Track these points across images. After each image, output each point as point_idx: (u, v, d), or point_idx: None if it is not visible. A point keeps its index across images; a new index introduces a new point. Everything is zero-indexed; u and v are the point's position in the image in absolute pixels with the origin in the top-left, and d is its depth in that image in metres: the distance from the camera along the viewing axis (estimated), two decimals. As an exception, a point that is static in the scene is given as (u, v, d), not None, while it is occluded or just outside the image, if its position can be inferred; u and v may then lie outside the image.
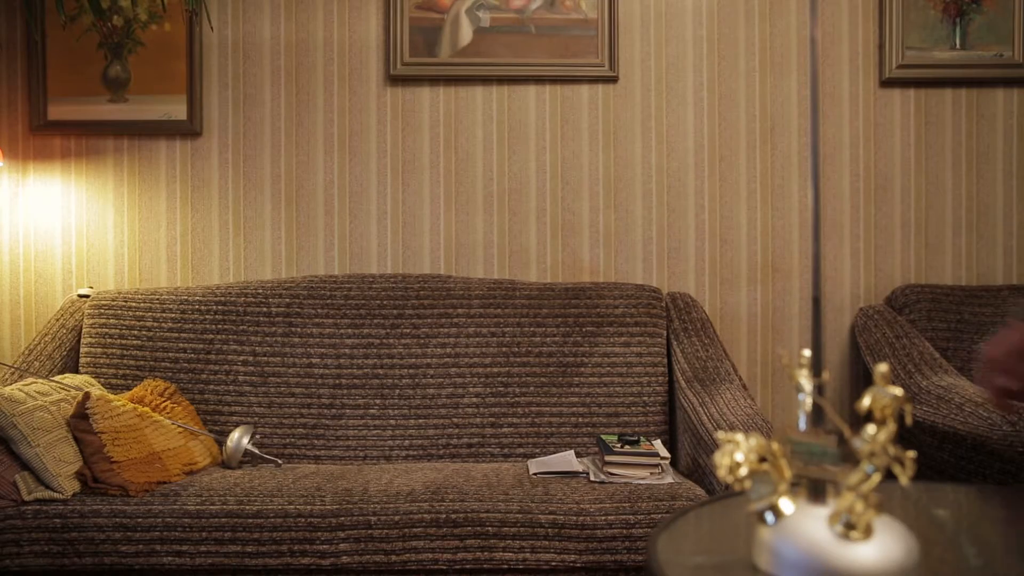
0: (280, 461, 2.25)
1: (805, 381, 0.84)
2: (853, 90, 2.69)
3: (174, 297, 2.44)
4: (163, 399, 2.24)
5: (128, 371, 2.37)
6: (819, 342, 0.85)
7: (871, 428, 0.80)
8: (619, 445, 2.10)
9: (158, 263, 2.66)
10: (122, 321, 2.41)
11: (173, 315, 2.41)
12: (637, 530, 1.86)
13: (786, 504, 0.83)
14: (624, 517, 1.86)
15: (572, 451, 2.26)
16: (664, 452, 2.11)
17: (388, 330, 2.40)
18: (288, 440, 2.33)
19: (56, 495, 1.89)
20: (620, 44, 2.66)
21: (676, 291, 2.58)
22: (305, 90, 2.66)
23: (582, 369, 2.36)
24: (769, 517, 0.83)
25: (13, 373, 2.29)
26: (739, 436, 0.84)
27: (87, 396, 1.98)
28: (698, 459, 2.10)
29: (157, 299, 2.44)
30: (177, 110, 2.63)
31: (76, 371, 2.41)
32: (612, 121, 2.67)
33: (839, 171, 2.69)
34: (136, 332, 2.40)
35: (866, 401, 0.81)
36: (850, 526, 0.79)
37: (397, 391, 2.35)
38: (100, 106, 2.63)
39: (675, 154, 2.68)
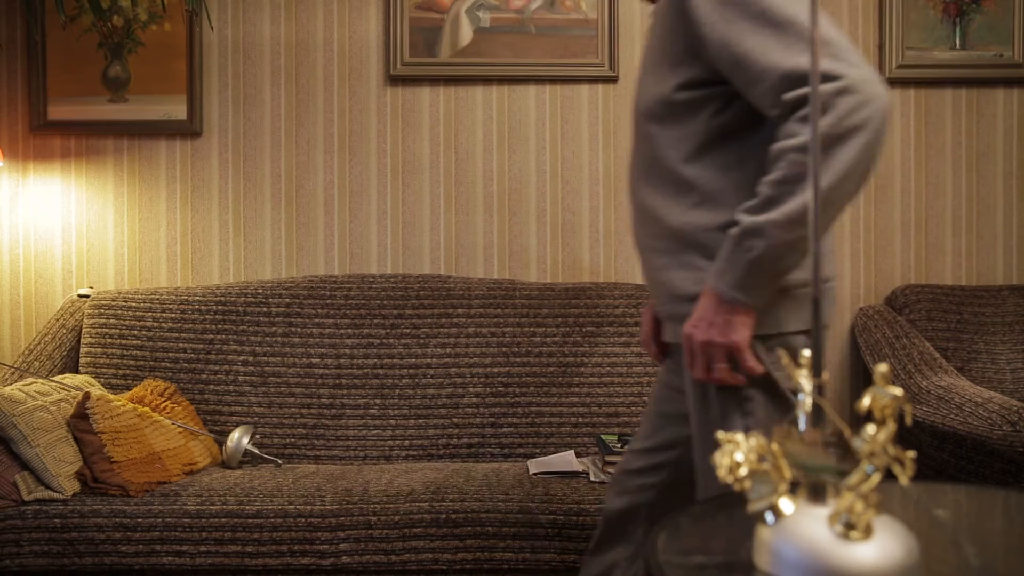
0: (280, 461, 2.25)
1: (805, 381, 0.84)
2: (853, 90, 2.68)
3: (174, 297, 2.44)
4: (163, 399, 2.24)
5: (128, 371, 2.37)
6: (819, 342, 0.85)
7: (871, 428, 0.80)
8: (619, 445, 2.10)
9: (158, 263, 2.66)
10: (122, 321, 2.41)
11: (173, 315, 2.41)
12: (637, 530, 1.85)
13: (786, 504, 0.83)
14: (624, 517, 1.86)
15: (572, 451, 2.26)
16: (664, 452, 2.11)
17: (388, 330, 2.40)
18: (288, 440, 2.33)
19: (56, 495, 1.89)
20: (620, 44, 2.66)
21: (676, 291, 2.58)
22: (305, 90, 2.66)
23: (582, 369, 2.36)
24: (769, 517, 0.83)
25: (13, 373, 2.29)
26: (739, 436, 0.84)
27: (87, 396, 1.98)
28: (698, 459, 2.10)
29: (157, 299, 2.44)
30: (177, 110, 2.63)
31: (76, 371, 2.41)
32: (612, 121, 2.67)
33: (839, 171, 2.69)
34: (136, 332, 2.40)
35: (866, 401, 0.81)
36: (850, 526, 0.79)
37: (397, 391, 2.35)
38: (100, 106, 2.63)
39: (675, 154, 2.68)
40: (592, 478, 2.04)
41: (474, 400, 2.33)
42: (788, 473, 0.84)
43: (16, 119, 2.65)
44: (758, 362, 1.16)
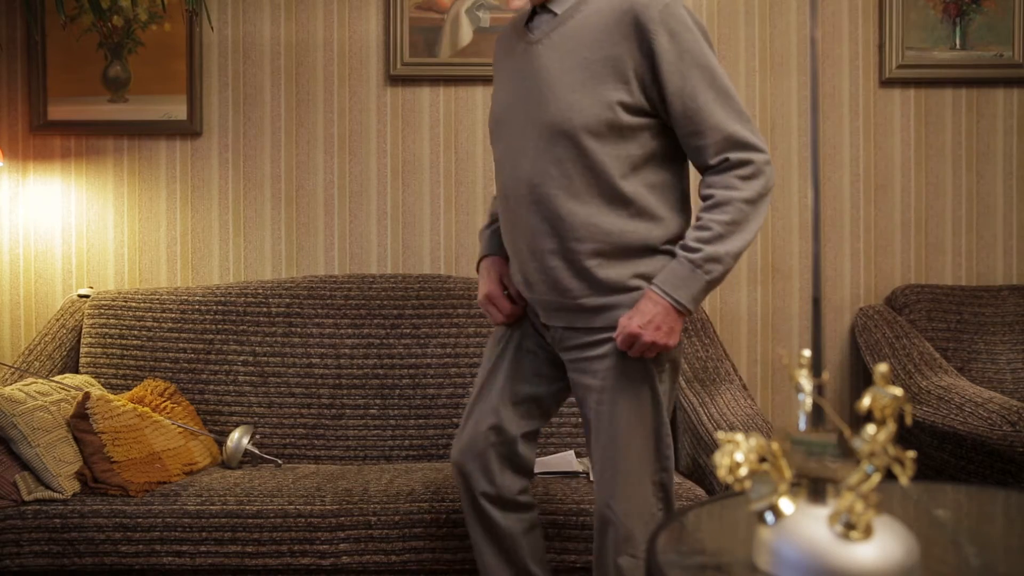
0: (280, 461, 2.25)
1: (805, 381, 0.84)
2: (853, 90, 2.69)
3: (174, 297, 2.44)
4: (163, 399, 2.24)
5: (128, 371, 2.37)
6: (819, 342, 0.85)
7: (871, 428, 0.80)
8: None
9: (158, 263, 2.66)
10: (122, 321, 2.41)
11: (173, 315, 2.41)
12: (637, 530, 1.86)
13: (786, 504, 0.83)
14: (624, 517, 1.86)
15: (572, 451, 2.26)
16: (664, 452, 2.11)
17: (388, 330, 2.40)
18: (288, 440, 2.33)
19: (56, 495, 1.89)
20: (620, 44, 2.66)
21: (676, 291, 2.58)
22: (305, 90, 2.66)
23: (582, 369, 2.36)
24: (769, 517, 0.83)
25: (13, 373, 2.29)
26: (739, 436, 0.84)
27: (87, 396, 1.98)
28: (698, 459, 2.10)
29: (157, 299, 2.44)
30: (177, 110, 2.63)
31: (76, 371, 2.41)
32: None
33: (839, 171, 2.69)
34: (136, 332, 2.40)
35: (866, 401, 0.81)
36: (850, 526, 0.79)
37: (397, 391, 2.35)
38: (100, 106, 2.62)
39: (675, 154, 2.68)
40: (592, 478, 2.04)
41: (474, 400, 2.33)
42: (788, 473, 0.84)
43: (16, 119, 2.65)
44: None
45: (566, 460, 2.15)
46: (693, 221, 1.44)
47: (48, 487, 1.90)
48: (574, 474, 2.07)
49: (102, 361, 2.38)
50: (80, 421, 1.95)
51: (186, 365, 2.37)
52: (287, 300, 2.42)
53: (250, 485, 1.97)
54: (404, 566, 1.84)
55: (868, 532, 0.79)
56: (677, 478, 2.07)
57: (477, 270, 1.66)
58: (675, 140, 1.44)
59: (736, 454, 0.82)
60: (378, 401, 2.34)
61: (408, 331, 2.40)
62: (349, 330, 2.39)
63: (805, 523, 0.81)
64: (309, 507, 1.87)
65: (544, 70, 1.42)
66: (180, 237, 2.66)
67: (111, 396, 2.07)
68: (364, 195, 2.66)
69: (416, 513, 1.85)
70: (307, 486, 1.97)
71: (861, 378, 2.66)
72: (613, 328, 1.42)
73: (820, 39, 2.67)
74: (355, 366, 2.36)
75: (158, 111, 2.63)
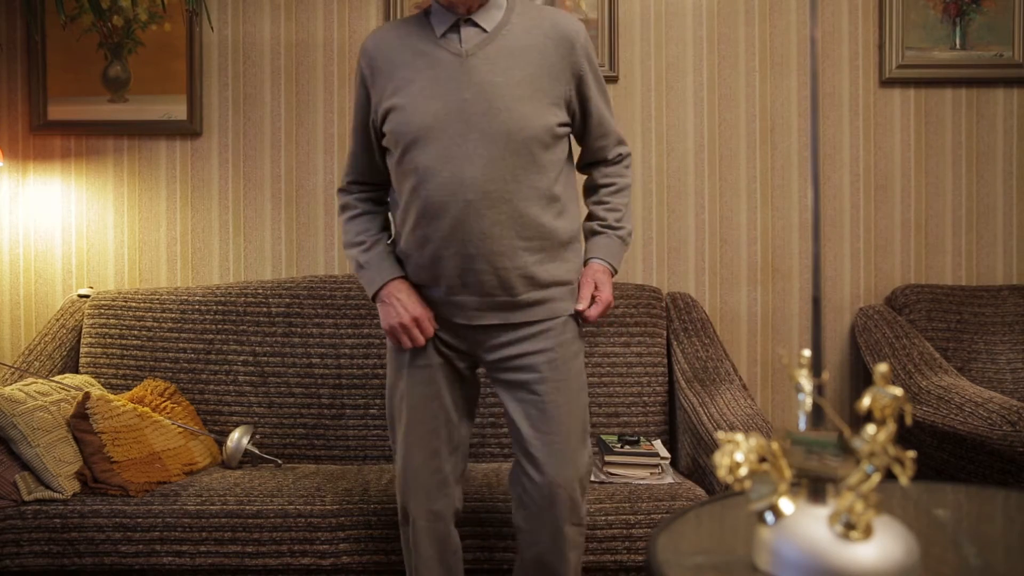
0: (280, 461, 2.25)
1: (805, 381, 0.84)
2: (853, 90, 2.69)
3: (174, 297, 2.44)
4: (163, 399, 2.24)
5: (128, 371, 2.37)
6: (819, 342, 0.85)
7: (871, 428, 0.80)
8: (619, 445, 2.10)
9: (158, 263, 2.66)
10: (122, 321, 2.41)
11: (173, 315, 2.41)
12: (637, 530, 1.86)
13: (786, 504, 0.83)
14: (624, 517, 1.86)
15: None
16: (664, 452, 2.11)
17: (388, 330, 2.39)
18: (288, 440, 2.33)
19: (56, 495, 1.89)
20: (620, 44, 2.66)
21: (676, 291, 2.58)
22: (305, 90, 2.66)
23: (582, 369, 2.36)
24: (769, 517, 0.83)
25: (13, 373, 2.29)
26: (739, 436, 0.84)
27: (87, 396, 1.98)
28: (698, 459, 2.10)
29: (157, 299, 2.44)
30: (177, 110, 2.63)
31: (76, 371, 2.41)
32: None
33: (839, 171, 2.69)
34: (136, 332, 2.40)
35: (866, 401, 0.81)
36: (850, 526, 0.79)
37: (397, 391, 2.35)
38: (100, 106, 2.63)
39: (675, 154, 2.68)
40: (592, 478, 2.04)
41: (474, 400, 2.32)
42: (788, 473, 0.84)
43: (16, 119, 2.65)
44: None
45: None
46: (594, 206, 1.71)
47: (48, 487, 1.90)
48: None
49: (102, 361, 2.38)
50: (80, 421, 1.95)
51: (186, 365, 2.37)
52: (287, 300, 2.42)
53: (250, 485, 1.97)
54: (404, 566, 1.84)
55: (868, 532, 0.79)
56: (677, 478, 2.07)
57: (375, 294, 1.63)
58: (570, 145, 1.68)
59: (736, 454, 0.82)
60: (378, 401, 2.34)
61: (408, 331, 2.39)
62: (349, 330, 2.39)
63: (805, 523, 0.81)
64: (309, 507, 1.88)
65: (489, 83, 1.54)
66: (180, 237, 2.66)
67: (111, 396, 2.07)
68: (364, 195, 2.66)
69: (416, 513, 1.85)
70: (307, 486, 1.97)
71: (861, 378, 2.66)
72: (551, 319, 1.61)
73: (820, 39, 2.67)
74: (355, 366, 2.36)
75: (158, 111, 2.63)
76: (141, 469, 1.97)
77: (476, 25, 1.57)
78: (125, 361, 2.38)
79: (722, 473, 0.82)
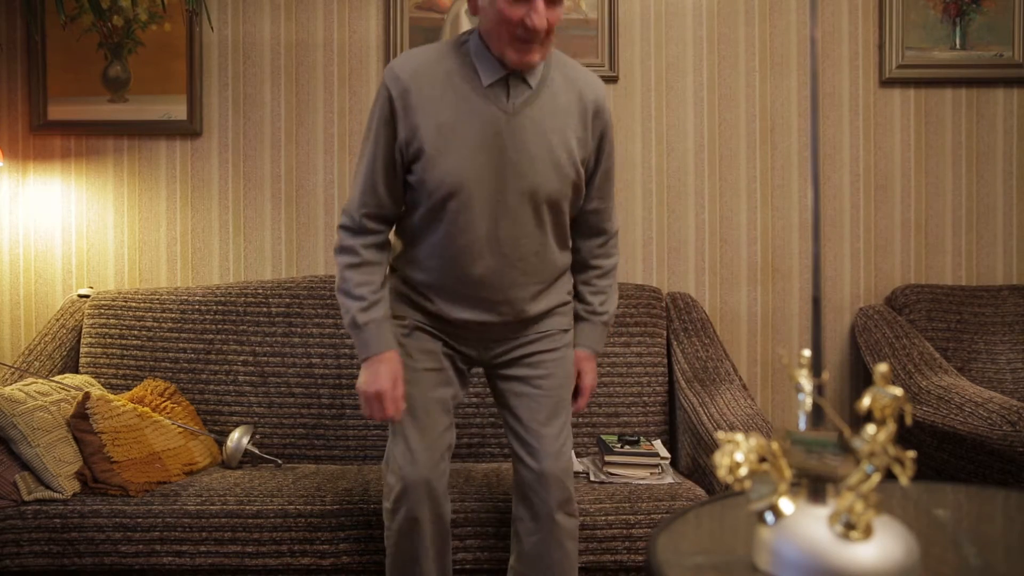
0: (280, 461, 2.25)
1: (805, 381, 0.84)
2: (853, 90, 2.69)
3: (174, 297, 2.44)
4: (163, 399, 2.24)
5: (128, 371, 2.37)
6: (819, 342, 0.85)
7: (871, 428, 0.80)
8: (619, 445, 2.10)
9: (158, 263, 2.66)
10: (122, 321, 2.41)
11: (173, 315, 2.41)
12: (637, 530, 1.86)
13: (786, 504, 0.83)
14: (624, 517, 1.86)
15: (572, 451, 2.26)
16: (664, 452, 2.11)
17: (388, 330, 2.39)
18: (288, 440, 2.33)
19: (56, 495, 1.89)
20: (620, 44, 2.66)
21: (676, 291, 2.58)
22: (305, 90, 2.66)
23: (582, 369, 2.36)
24: (769, 517, 0.83)
25: (13, 373, 2.29)
26: (739, 436, 0.84)
27: (87, 396, 1.98)
28: (698, 459, 2.10)
29: (157, 299, 2.44)
30: (177, 110, 2.63)
31: (76, 371, 2.41)
32: (612, 121, 2.67)
33: (839, 171, 2.69)
34: (136, 332, 2.40)
35: (866, 401, 0.81)
36: (850, 526, 0.79)
37: (397, 391, 2.35)
38: (100, 106, 2.63)
39: (675, 154, 2.68)
40: (592, 478, 2.04)
41: (474, 400, 2.33)
42: (788, 473, 0.84)
43: (16, 119, 2.65)
44: None
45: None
46: (582, 286, 1.78)
47: (48, 487, 1.90)
48: (574, 474, 2.06)
49: (102, 361, 2.38)
50: (80, 421, 1.95)
51: (186, 365, 2.37)
52: (287, 300, 2.42)
53: (250, 485, 1.97)
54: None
55: (868, 532, 0.79)
56: (677, 478, 2.07)
57: (365, 359, 1.59)
58: None
59: (736, 454, 0.82)
60: (378, 401, 2.34)
61: (408, 331, 2.39)
62: (349, 330, 2.39)
63: (805, 523, 0.81)
64: (309, 507, 1.88)
65: (532, 144, 1.56)
66: (180, 237, 2.66)
67: (111, 396, 2.07)
68: (364, 195, 2.66)
69: (416, 513, 1.85)
70: (307, 486, 1.97)
71: (861, 378, 2.66)
72: (554, 330, 1.73)
73: (820, 39, 2.67)
74: (355, 366, 2.36)
75: (158, 111, 2.63)
76: (141, 469, 1.97)
77: (524, 80, 1.56)
78: (125, 361, 2.38)
79: (722, 473, 0.82)
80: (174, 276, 2.66)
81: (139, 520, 1.86)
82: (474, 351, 1.71)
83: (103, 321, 2.41)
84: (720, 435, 0.85)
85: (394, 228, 1.70)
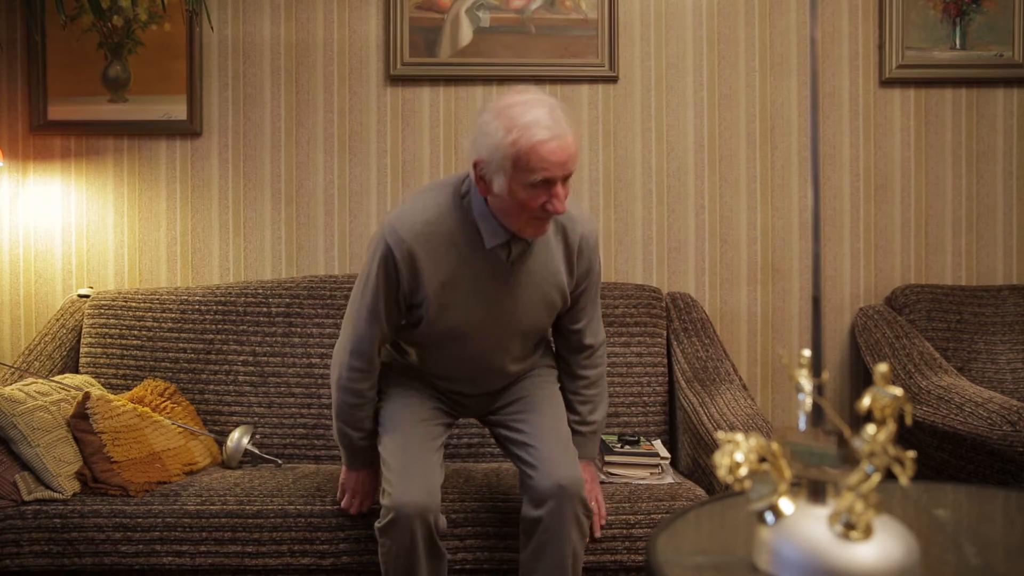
0: (280, 461, 2.25)
1: (805, 381, 0.84)
2: (853, 90, 2.69)
3: (174, 297, 2.44)
4: (163, 399, 2.24)
5: (128, 371, 2.37)
6: (819, 342, 0.85)
7: (871, 428, 0.80)
8: (619, 445, 2.10)
9: (158, 263, 2.66)
10: (122, 321, 2.41)
11: (173, 315, 2.41)
12: (637, 530, 1.86)
13: (786, 504, 0.83)
14: (624, 517, 1.86)
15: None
16: (664, 452, 2.11)
17: (388, 330, 2.39)
18: (288, 440, 2.33)
19: (56, 495, 1.89)
20: (620, 44, 2.66)
21: (676, 291, 2.58)
22: (305, 90, 2.66)
23: (582, 369, 2.36)
24: (769, 517, 0.83)
25: (13, 373, 2.28)
26: (739, 436, 0.84)
27: (87, 396, 1.98)
28: (698, 459, 2.10)
29: (157, 299, 2.44)
30: (177, 110, 2.63)
31: (76, 371, 2.41)
32: (612, 121, 2.67)
33: (839, 171, 2.69)
34: (136, 332, 2.40)
35: (866, 401, 0.81)
36: (850, 526, 0.79)
37: (397, 391, 2.35)
38: (100, 106, 2.63)
39: (675, 154, 2.68)
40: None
41: (474, 400, 2.32)
42: (788, 473, 0.84)
43: (16, 119, 2.65)
44: None
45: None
46: (571, 395, 1.87)
47: (48, 487, 1.90)
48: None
49: (102, 361, 2.38)
50: (80, 421, 1.95)
51: (186, 365, 2.37)
52: (287, 300, 2.42)
53: (250, 485, 1.97)
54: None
55: (868, 532, 0.79)
56: (677, 478, 2.07)
57: (350, 467, 1.83)
58: None
59: (736, 454, 0.82)
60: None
61: (408, 331, 2.39)
62: (349, 330, 2.39)
63: (805, 523, 0.81)
64: (309, 507, 1.87)
65: (524, 292, 1.70)
66: (180, 237, 2.66)
67: (111, 396, 2.07)
68: (364, 195, 2.66)
69: (416, 513, 1.85)
70: (307, 486, 1.97)
71: (861, 378, 2.66)
72: (538, 364, 1.90)
73: (820, 39, 2.68)
74: (355, 366, 2.36)
75: (158, 111, 2.63)
76: (141, 469, 1.97)
77: (523, 239, 1.65)
78: (125, 361, 2.38)
79: (722, 473, 0.82)
80: (174, 276, 2.66)
81: (139, 520, 1.86)
82: (468, 411, 1.88)
83: (103, 321, 2.41)
84: (720, 435, 0.85)
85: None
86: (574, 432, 1.83)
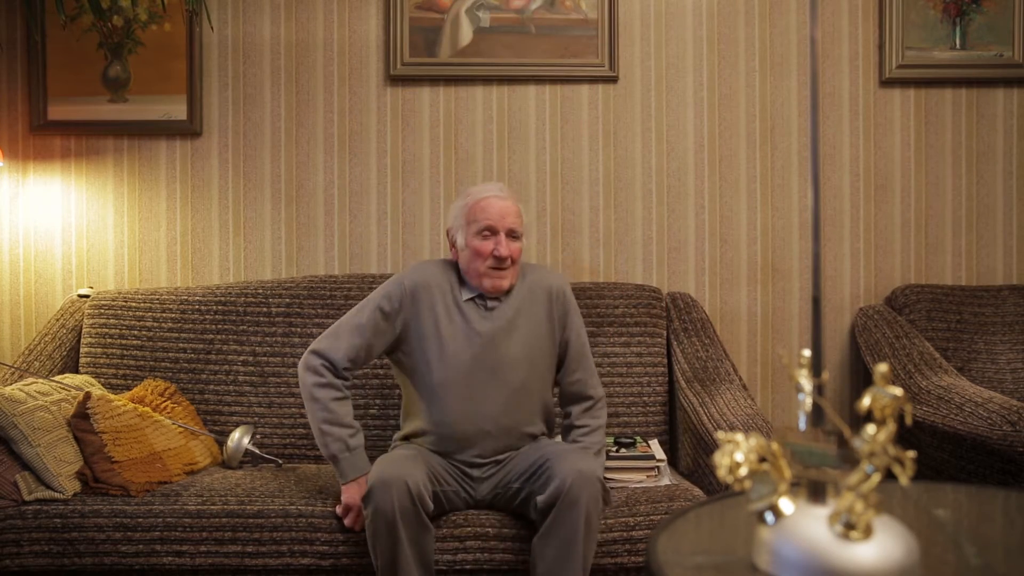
0: (280, 461, 2.25)
1: (805, 381, 0.84)
2: (853, 90, 2.69)
3: (174, 297, 2.44)
4: (163, 399, 2.24)
5: (128, 371, 2.37)
6: (819, 342, 0.85)
7: (871, 428, 0.80)
8: (614, 449, 2.09)
9: (158, 263, 2.66)
10: (122, 321, 2.41)
11: (173, 315, 2.41)
12: (637, 532, 1.86)
13: (786, 504, 0.83)
14: (623, 520, 1.86)
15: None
16: (660, 454, 2.11)
17: (388, 330, 2.39)
18: (288, 440, 2.33)
19: (57, 495, 1.89)
20: (620, 44, 2.66)
21: (676, 291, 2.58)
22: (305, 90, 2.66)
23: (582, 369, 2.36)
24: (769, 517, 0.83)
25: (13, 373, 2.29)
26: (739, 436, 0.84)
27: (88, 396, 1.98)
28: (698, 459, 2.10)
29: (157, 299, 2.44)
30: (177, 110, 2.63)
31: (76, 371, 2.41)
32: (612, 121, 2.67)
33: (839, 171, 2.69)
34: (136, 332, 2.40)
35: (866, 401, 0.81)
36: (850, 526, 0.79)
37: (397, 391, 2.34)
38: (100, 106, 2.63)
39: (675, 154, 2.68)
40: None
41: (474, 400, 2.32)
42: (788, 473, 0.84)
43: (16, 119, 2.65)
44: None
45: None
46: (571, 443, 1.96)
47: (48, 487, 1.90)
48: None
49: (102, 361, 2.38)
50: (81, 421, 1.95)
51: (186, 365, 2.37)
52: (287, 300, 2.42)
53: (251, 485, 1.97)
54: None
55: (868, 532, 0.79)
56: (675, 479, 2.07)
57: (346, 479, 1.85)
58: None
59: (736, 454, 0.82)
60: (378, 401, 2.34)
61: (408, 331, 2.39)
62: (349, 330, 2.39)
63: (805, 523, 0.81)
64: (310, 507, 1.87)
65: (508, 344, 1.91)
66: (180, 237, 2.66)
67: (112, 396, 2.07)
68: (364, 195, 2.66)
69: (416, 513, 1.85)
70: (308, 486, 1.97)
71: (861, 378, 2.66)
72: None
73: (820, 39, 2.68)
74: (355, 366, 2.36)
75: (158, 111, 2.63)
76: (142, 469, 1.97)
77: (496, 298, 1.93)
78: (125, 361, 2.38)
79: (722, 473, 0.82)
80: (174, 276, 2.66)
81: (139, 520, 1.86)
82: (473, 483, 1.91)
83: (103, 321, 2.41)
84: (720, 435, 0.85)
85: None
86: None
